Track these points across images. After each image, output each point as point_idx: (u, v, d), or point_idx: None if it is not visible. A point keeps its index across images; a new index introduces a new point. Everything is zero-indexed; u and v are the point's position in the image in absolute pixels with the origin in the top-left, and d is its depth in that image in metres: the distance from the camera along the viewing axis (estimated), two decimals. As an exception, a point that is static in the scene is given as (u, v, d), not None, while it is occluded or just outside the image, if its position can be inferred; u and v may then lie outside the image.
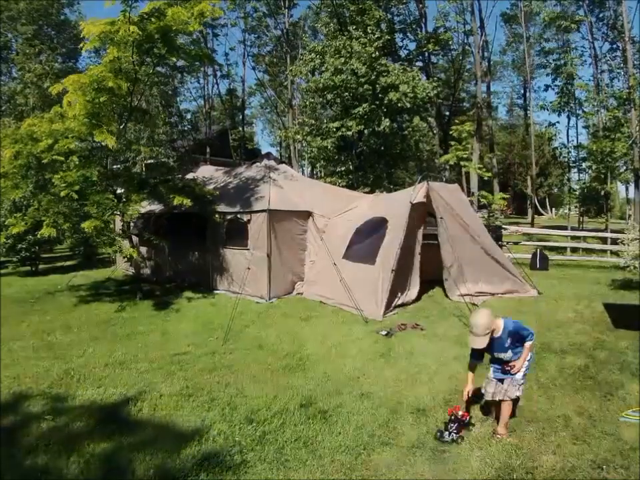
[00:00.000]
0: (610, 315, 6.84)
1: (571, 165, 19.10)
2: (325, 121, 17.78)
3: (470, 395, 3.70)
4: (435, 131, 24.42)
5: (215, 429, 3.67)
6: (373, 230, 8.31)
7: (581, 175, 19.11)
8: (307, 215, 9.19)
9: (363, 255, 8.10)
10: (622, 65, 19.96)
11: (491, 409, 3.87)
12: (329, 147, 16.19)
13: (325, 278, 8.36)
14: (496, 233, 13.63)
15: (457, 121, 17.37)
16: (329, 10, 18.64)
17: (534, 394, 4.33)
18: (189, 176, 10.66)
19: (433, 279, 8.82)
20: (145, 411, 4.01)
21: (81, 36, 7.76)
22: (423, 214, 8.21)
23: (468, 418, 3.62)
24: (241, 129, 32.74)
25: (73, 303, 8.45)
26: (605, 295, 8.60)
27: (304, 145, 20.61)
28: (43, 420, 3.80)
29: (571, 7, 18.51)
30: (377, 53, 15.23)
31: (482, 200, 15.75)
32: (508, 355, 3.54)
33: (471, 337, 3.51)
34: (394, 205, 8.62)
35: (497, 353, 3.60)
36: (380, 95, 15.19)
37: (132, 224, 9.88)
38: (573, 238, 15.57)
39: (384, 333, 6.30)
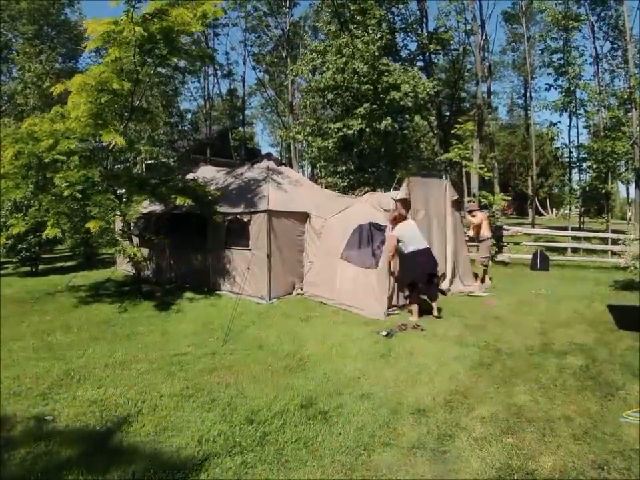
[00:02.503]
0: (613, 316, 6.83)
1: (571, 164, 19.10)
2: (326, 121, 17.76)
3: None
4: (435, 131, 24.41)
5: (215, 430, 3.67)
6: (371, 230, 8.34)
7: (582, 175, 19.12)
8: (305, 216, 9.19)
9: (362, 255, 8.11)
10: (623, 64, 19.95)
11: None
12: (330, 147, 16.16)
13: (325, 278, 8.36)
14: (496, 234, 13.62)
15: (459, 120, 17.36)
16: (330, 10, 18.63)
17: (534, 394, 4.33)
18: (189, 176, 10.67)
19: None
20: (145, 411, 4.01)
21: (85, 35, 7.78)
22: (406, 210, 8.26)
23: None
24: (241, 129, 32.76)
25: (73, 303, 8.45)
26: (605, 296, 8.59)
27: (304, 145, 20.60)
28: (43, 421, 3.81)
29: (573, 6, 18.47)
30: (379, 53, 15.21)
31: (483, 200, 15.73)
32: None
33: None
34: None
35: None
36: (381, 95, 15.18)
37: (132, 224, 9.88)
38: (575, 238, 15.57)
39: (384, 333, 6.29)
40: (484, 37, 22.61)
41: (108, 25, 7.29)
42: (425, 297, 7.34)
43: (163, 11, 7.37)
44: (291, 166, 21.92)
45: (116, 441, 3.53)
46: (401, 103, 15.12)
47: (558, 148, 20.26)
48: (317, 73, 17.16)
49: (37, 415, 3.91)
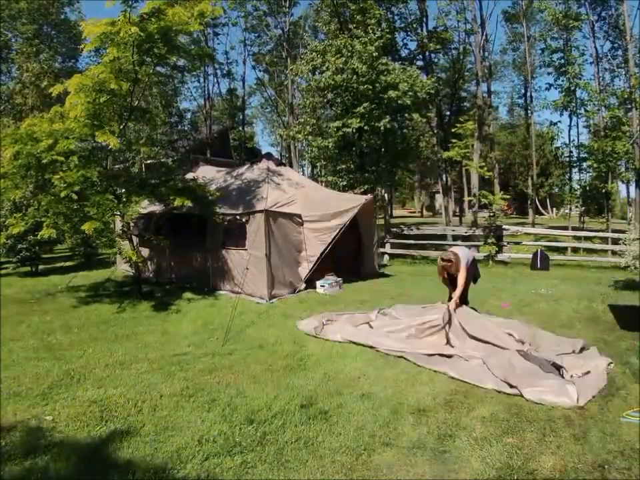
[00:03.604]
0: (615, 316, 6.81)
1: (572, 164, 19.09)
2: (326, 121, 17.75)
3: None
4: (435, 131, 24.40)
5: (215, 430, 3.67)
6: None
7: (582, 175, 19.12)
8: (301, 216, 9.20)
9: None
10: (623, 64, 19.95)
11: None
12: (330, 147, 16.16)
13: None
14: (497, 233, 13.63)
15: (459, 119, 17.36)
16: (330, 9, 18.62)
17: (535, 394, 4.32)
18: (189, 176, 10.66)
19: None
20: (145, 411, 4.00)
21: (82, 37, 7.78)
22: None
23: None
24: (241, 128, 32.76)
25: (72, 303, 8.44)
26: (606, 295, 8.58)
27: (304, 144, 20.60)
28: (43, 420, 3.80)
29: (573, 5, 18.46)
30: (378, 53, 15.20)
31: (482, 200, 15.74)
32: None
33: None
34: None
35: None
36: (380, 94, 15.17)
37: (132, 224, 9.88)
38: (575, 238, 15.56)
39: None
40: (484, 37, 22.59)
41: (105, 26, 7.27)
42: None
43: (160, 10, 7.36)
44: (291, 166, 21.89)
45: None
46: (399, 102, 15.10)
47: (558, 147, 20.27)
48: (316, 72, 17.15)
49: (36, 415, 3.91)
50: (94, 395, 4.34)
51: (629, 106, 17.66)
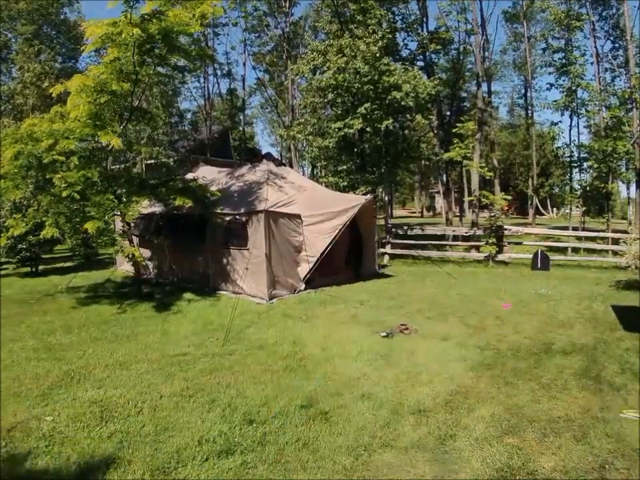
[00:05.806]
0: (618, 317, 6.79)
1: (572, 164, 19.07)
2: (326, 121, 17.72)
3: None
4: (435, 131, 24.38)
5: (215, 430, 3.66)
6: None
7: (582, 175, 19.10)
8: (301, 216, 9.22)
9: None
10: (624, 64, 19.94)
11: None
12: (330, 147, 16.13)
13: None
14: (497, 233, 13.62)
15: (461, 119, 17.34)
16: (330, 10, 18.60)
17: (535, 394, 4.32)
18: (189, 176, 10.66)
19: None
20: (145, 412, 4.00)
21: (85, 38, 7.79)
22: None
23: None
24: (241, 128, 32.79)
25: (72, 304, 8.44)
26: (606, 296, 8.58)
27: (304, 144, 20.57)
28: (43, 421, 3.80)
29: (574, 5, 18.45)
30: (380, 53, 15.17)
31: (483, 200, 15.72)
32: None
33: None
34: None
35: None
36: (382, 95, 15.16)
37: (132, 225, 9.88)
38: (578, 238, 15.55)
39: (384, 334, 6.29)
40: (484, 37, 22.57)
41: (107, 26, 7.28)
42: None
43: (161, 11, 7.36)
44: (291, 166, 21.88)
45: None
46: (402, 103, 15.09)
47: (559, 147, 20.24)
48: (317, 72, 17.12)
49: (37, 415, 3.91)
50: (94, 395, 4.34)
51: (630, 106, 17.64)
